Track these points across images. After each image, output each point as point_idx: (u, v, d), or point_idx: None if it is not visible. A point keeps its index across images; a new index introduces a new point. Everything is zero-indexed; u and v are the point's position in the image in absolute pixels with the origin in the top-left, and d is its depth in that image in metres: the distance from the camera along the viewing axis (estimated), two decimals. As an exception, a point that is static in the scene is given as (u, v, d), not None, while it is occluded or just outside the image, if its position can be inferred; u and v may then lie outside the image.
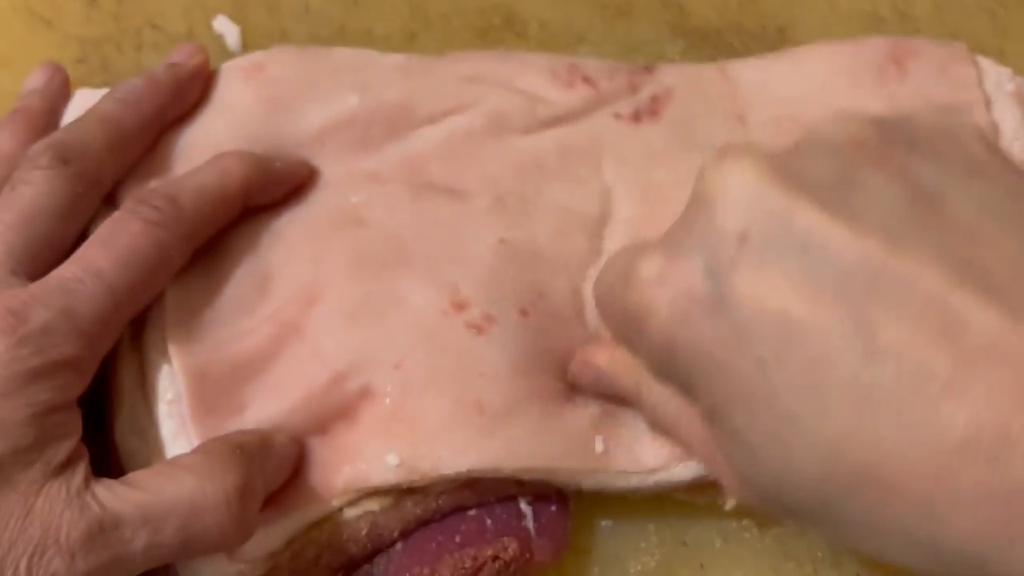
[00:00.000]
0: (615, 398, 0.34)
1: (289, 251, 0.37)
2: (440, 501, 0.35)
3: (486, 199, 0.38)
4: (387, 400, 0.35)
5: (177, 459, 0.32)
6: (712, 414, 0.28)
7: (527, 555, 0.35)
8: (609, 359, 0.34)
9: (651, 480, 0.36)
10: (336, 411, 0.35)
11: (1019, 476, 0.22)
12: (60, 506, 0.28)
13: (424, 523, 0.35)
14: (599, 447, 0.35)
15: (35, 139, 0.37)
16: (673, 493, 0.37)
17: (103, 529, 0.28)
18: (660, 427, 0.33)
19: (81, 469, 0.30)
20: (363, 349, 0.35)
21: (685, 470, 0.35)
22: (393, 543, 0.35)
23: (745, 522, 0.39)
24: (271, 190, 0.37)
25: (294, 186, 0.38)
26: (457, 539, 0.35)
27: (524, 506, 0.36)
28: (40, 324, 0.30)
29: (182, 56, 0.40)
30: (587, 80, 0.41)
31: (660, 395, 0.32)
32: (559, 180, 0.39)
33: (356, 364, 0.35)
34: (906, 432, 0.23)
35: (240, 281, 0.36)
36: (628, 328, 0.31)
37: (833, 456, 0.24)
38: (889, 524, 0.24)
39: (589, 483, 0.36)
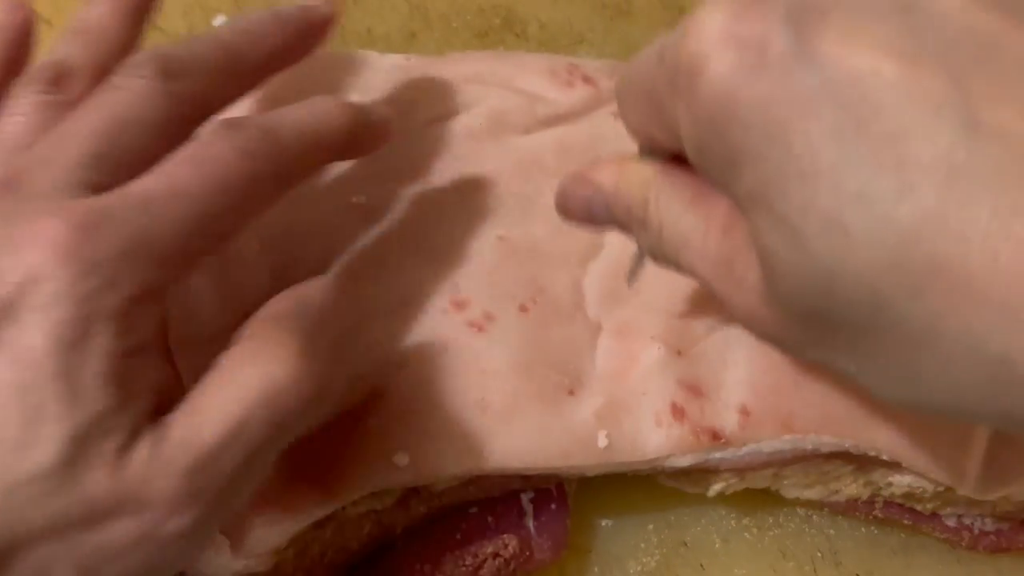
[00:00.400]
0: (611, 222, 0.31)
1: (290, 252, 0.37)
2: (444, 498, 0.35)
3: (486, 199, 0.38)
4: (392, 401, 0.35)
5: (227, 357, 0.28)
6: (757, 196, 0.23)
7: (527, 553, 0.35)
8: (616, 172, 0.30)
9: (650, 465, 0.36)
10: (339, 414, 0.34)
11: None
12: (150, 470, 0.25)
13: (427, 519, 0.35)
14: (602, 442, 0.34)
15: (138, 19, 0.34)
16: (663, 479, 0.37)
17: (197, 471, 0.26)
18: (663, 252, 0.29)
19: (158, 416, 0.26)
20: (367, 351, 0.35)
21: (682, 459, 0.35)
22: (396, 539, 0.35)
23: (745, 522, 0.39)
24: (366, 144, 0.34)
25: (387, 140, 0.35)
26: (458, 536, 0.35)
27: (526, 503, 0.36)
28: (112, 248, 0.25)
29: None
30: (587, 80, 0.41)
31: (673, 206, 0.28)
32: (559, 179, 0.39)
33: (358, 366, 0.35)
34: (1002, 222, 0.20)
35: (243, 282, 0.36)
36: (671, 90, 0.25)
37: (905, 246, 0.21)
38: (954, 333, 0.21)
39: (593, 471, 0.36)
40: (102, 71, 0.31)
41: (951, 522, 0.38)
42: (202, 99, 0.31)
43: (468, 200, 0.38)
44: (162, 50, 0.31)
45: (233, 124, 0.30)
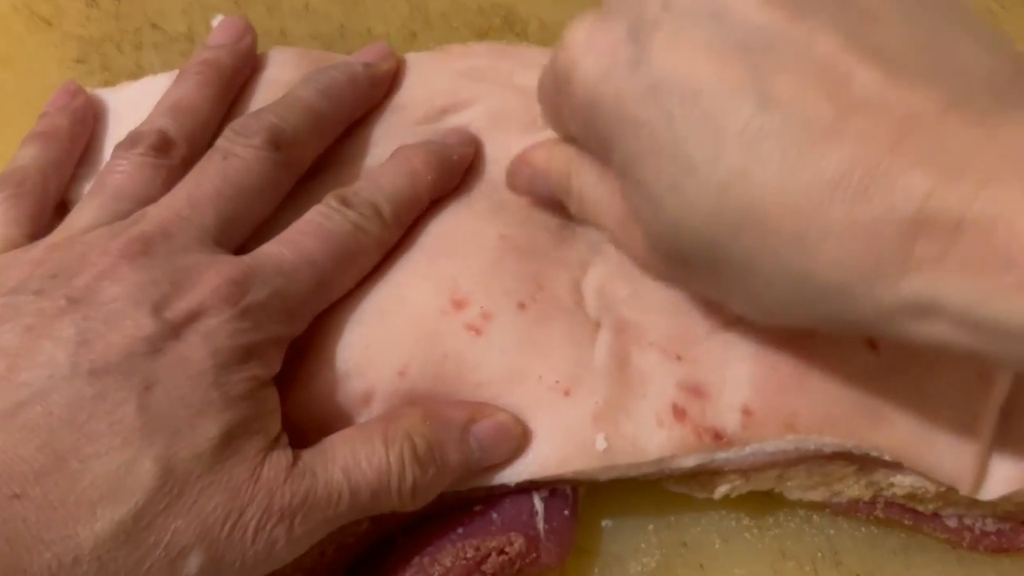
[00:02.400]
0: (548, 195, 0.37)
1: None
2: (446, 496, 0.35)
3: (486, 200, 0.38)
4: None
5: (374, 422, 0.34)
6: (624, 169, 0.30)
7: (534, 554, 0.35)
8: (546, 156, 0.36)
9: (655, 468, 0.36)
10: (338, 412, 0.34)
11: (883, 210, 0.24)
12: (283, 475, 0.30)
13: (426, 516, 0.35)
14: (601, 444, 0.34)
15: (222, 96, 0.39)
16: (670, 485, 0.37)
17: (317, 496, 0.31)
18: (584, 215, 0.35)
19: (286, 440, 0.32)
20: (368, 350, 0.35)
21: (686, 460, 0.35)
22: (395, 535, 0.35)
23: (745, 522, 0.39)
24: (448, 185, 0.38)
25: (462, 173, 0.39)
26: (460, 531, 0.35)
27: (537, 503, 0.35)
28: (259, 300, 0.32)
29: (375, 57, 0.41)
30: (588, 78, 0.41)
31: (587, 179, 0.34)
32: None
33: (360, 365, 0.35)
34: (786, 172, 0.25)
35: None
36: (557, 93, 0.33)
37: (722, 197, 0.26)
38: (767, 261, 0.27)
39: (603, 476, 0.35)
40: (193, 140, 0.38)
41: (952, 522, 0.38)
42: (299, 162, 0.37)
43: (468, 199, 0.38)
44: (266, 120, 0.37)
45: (344, 200, 0.35)
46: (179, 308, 0.31)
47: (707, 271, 0.29)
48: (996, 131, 0.24)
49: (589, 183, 0.34)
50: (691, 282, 0.32)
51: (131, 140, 0.37)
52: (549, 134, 0.40)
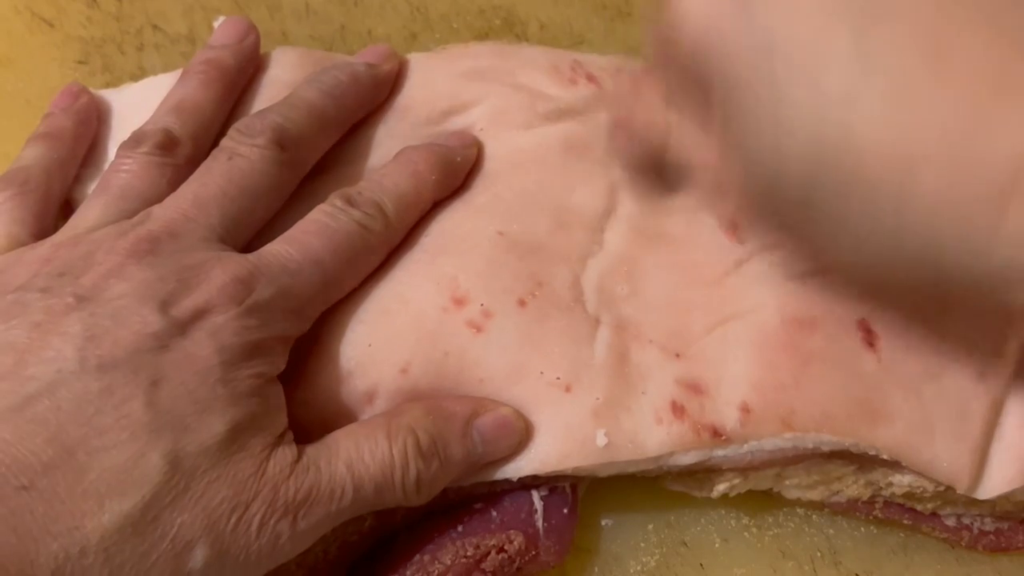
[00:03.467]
0: (648, 158, 0.35)
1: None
2: (447, 493, 0.35)
3: (485, 196, 0.38)
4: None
5: (379, 418, 0.34)
6: (725, 104, 0.29)
7: (533, 552, 0.35)
8: (648, 119, 0.35)
9: (654, 464, 0.36)
10: (341, 409, 0.34)
11: (979, 170, 0.25)
12: (287, 470, 0.31)
13: (428, 513, 0.35)
14: (601, 440, 0.34)
15: (225, 95, 0.39)
16: (668, 483, 0.37)
17: (321, 491, 0.31)
18: (683, 157, 0.34)
19: (291, 436, 0.32)
20: (370, 348, 0.35)
21: (685, 457, 0.35)
22: (396, 533, 0.35)
23: (745, 522, 0.39)
24: (451, 187, 0.38)
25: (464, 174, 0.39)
26: (460, 528, 0.35)
27: (537, 500, 0.35)
28: (265, 298, 0.32)
29: (377, 57, 0.41)
30: (591, 78, 0.41)
31: (685, 130, 0.33)
32: (561, 175, 0.39)
33: (363, 364, 0.35)
34: (882, 132, 0.26)
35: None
36: (666, 46, 0.31)
37: (817, 133, 0.27)
38: (857, 207, 0.27)
39: (602, 472, 0.36)
40: (197, 139, 0.38)
41: (951, 522, 0.38)
42: (303, 162, 0.38)
43: (467, 196, 0.38)
44: (271, 120, 0.37)
45: (348, 200, 0.36)
46: (186, 306, 0.31)
47: (798, 207, 0.29)
48: None
49: (687, 131, 0.33)
50: (782, 216, 0.31)
51: (136, 139, 0.37)
52: (549, 131, 0.40)
